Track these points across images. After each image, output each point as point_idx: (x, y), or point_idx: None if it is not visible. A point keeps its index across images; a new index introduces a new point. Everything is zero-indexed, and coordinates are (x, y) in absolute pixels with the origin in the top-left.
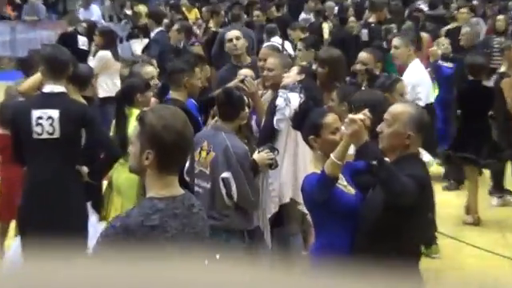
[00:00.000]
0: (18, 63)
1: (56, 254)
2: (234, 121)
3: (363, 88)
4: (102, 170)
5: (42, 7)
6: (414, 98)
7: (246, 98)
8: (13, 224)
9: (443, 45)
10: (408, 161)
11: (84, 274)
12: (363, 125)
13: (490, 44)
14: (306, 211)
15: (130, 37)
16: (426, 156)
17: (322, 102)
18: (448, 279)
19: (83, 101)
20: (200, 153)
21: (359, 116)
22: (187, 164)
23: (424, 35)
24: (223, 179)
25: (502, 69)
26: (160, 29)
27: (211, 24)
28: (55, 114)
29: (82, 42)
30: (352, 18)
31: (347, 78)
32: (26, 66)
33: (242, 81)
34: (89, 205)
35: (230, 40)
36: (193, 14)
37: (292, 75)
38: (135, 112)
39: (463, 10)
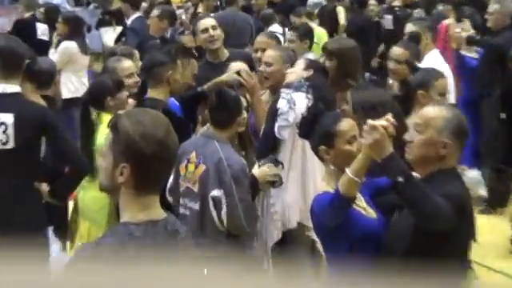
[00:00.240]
0: None
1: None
2: (229, 128)
3: (393, 89)
4: (67, 187)
5: None
6: None
7: (244, 99)
8: None
9: (468, 30)
10: (443, 177)
11: None
12: (386, 133)
13: None
14: (315, 238)
15: (101, 24)
16: (470, 172)
17: (335, 104)
18: None
19: (43, 102)
20: (187, 166)
21: (381, 122)
22: (170, 180)
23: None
24: (213, 198)
25: None
26: (138, 14)
27: (200, 8)
28: (9, 119)
29: (42, 30)
30: (372, 1)
31: (366, 75)
32: None
33: (238, 73)
34: (50, 230)
35: (205, 30)
36: None
37: (297, 71)
38: (105, 118)
39: None
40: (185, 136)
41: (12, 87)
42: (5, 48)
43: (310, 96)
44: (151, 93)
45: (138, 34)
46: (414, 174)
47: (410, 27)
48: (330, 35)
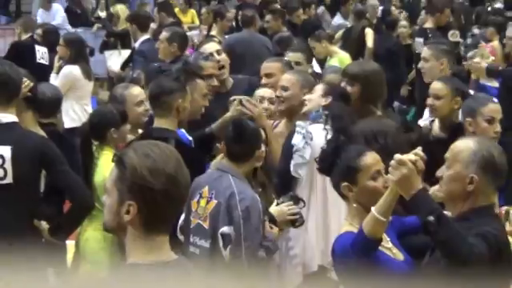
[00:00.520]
0: None
1: None
2: (246, 162)
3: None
4: (69, 225)
5: None
6: None
7: (263, 132)
8: None
9: (487, 57)
10: (477, 217)
11: None
12: (415, 168)
13: None
14: (337, 279)
15: (105, 47)
16: None
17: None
18: None
19: (42, 132)
20: (199, 201)
21: (409, 156)
22: (182, 217)
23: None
24: (223, 236)
25: None
26: (146, 37)
27: (214, 30)
28: (6, 151)
29: (41, 53)
30: (403, 22)
31: (396, 104)
32: None
33: (241, 102)
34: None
35: (210, 55)
36: (189, 17)
37: (314, 98)
38: (105, 152)
39: None
40: (198, 170)
41: (8, 117)
42: None
43: (328, 127)
44: (158, 122)
45: (147, 59)
46: (446, 212)
47: (425, 52)
48: (355, 60)
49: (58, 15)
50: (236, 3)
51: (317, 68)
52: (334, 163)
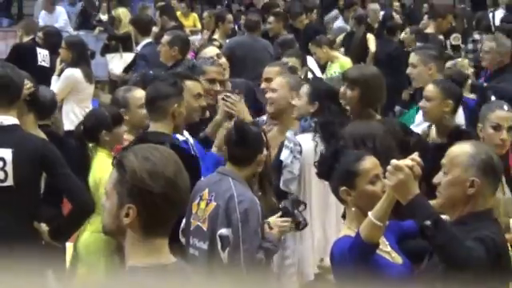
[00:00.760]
0: None
1: None
2: (247, 166)
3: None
4: (69, 228)
5: None
6: None
7: (264, 135)
8: None
9: (466, 68)
10: (476, 220)
11: None
12: (412, 173)
13: None
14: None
15: (106, 50)
16: None
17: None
18: None
19: (43, 135)
20: (199, 204)
21: (406, 162)
22: (184, 220)
23: None
24: (221, 237)
25: None
26: (148, 40)
27: (217, 34)
28: (7, 154)
29: (43, 56)
30: (408, 29)
31: (397, 108)
32: None
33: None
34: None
35: (215, 59)
36: (191, 21)
37: (301, 106)
38: (100, 153)
39: None
40: (195, 175)
41: (9, 119)
42: (0, 77)
43: (317, 139)
44: (153, 126)
45: (149, 62)
46: (444, 216)
47: (413, 57)
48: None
49: (60, 18)
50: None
51: (318, 73)
52: (333, 167)
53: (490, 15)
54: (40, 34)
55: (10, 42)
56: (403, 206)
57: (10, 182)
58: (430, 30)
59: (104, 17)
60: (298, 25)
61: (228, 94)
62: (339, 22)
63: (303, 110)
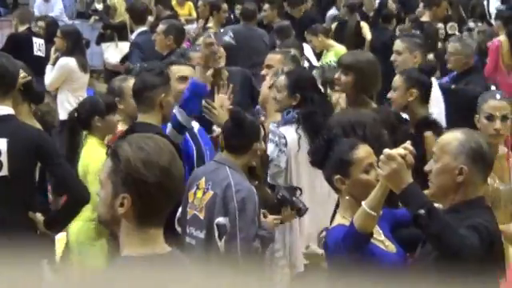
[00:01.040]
0: None
1: None
2: (243, 154)
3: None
4: (64, 218)
5: None
6: None
7: (262, 127)
8: None
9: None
10: (469, 209)
11: None
12: (405, 162)
13: None
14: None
15: (102, 39)
16: None
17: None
18: None
19: (38, 125)
20: (195, 193)
21: (398, 151)
22: (180, 209)
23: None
24: (218, 226)
25: None
26: (142, 29)
27: (211, 22)
28: (2, 144)
29: (38, 45)
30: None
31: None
32: None
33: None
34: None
35: (210, 44)
36: (186, 9)
37: (283, 99)
38: (90, 140)
39: None
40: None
41: (4, 109)
42: None
43: (300, 131)
44: (142, 117)
45: (143, 51)
46: (437, 205)
47: (398, 44)
48: None
49: (56, 7)
50: None
51: (314, 61)
52: (327, 156)
53: (485, 2)
54: (41, 23)
55: (6, 32)
56: (396, 194)
57: (4, 172)
58: (425, 18)
59: (99, 6)
60: (296, 13)
61: (208, 101)
62: (332, 11)
63: (284, 104)
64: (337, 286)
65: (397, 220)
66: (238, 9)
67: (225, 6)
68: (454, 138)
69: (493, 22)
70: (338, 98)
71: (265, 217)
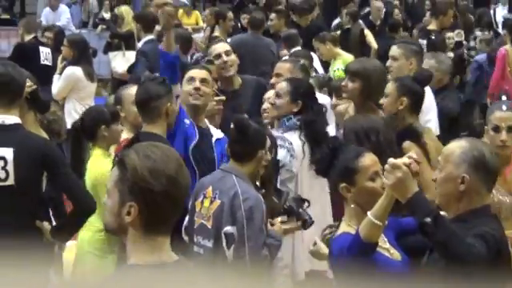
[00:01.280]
0: None
1: None
2: (249, 162)
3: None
4: (71, 227)
5: None
6: None
7: (271, 138)
8: None
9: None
10: (475, 217)
11: None
12: (410, 171)
13: None
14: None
15: (109, 48)
16: None
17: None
18: None
19: (44, 134)
20: (203, 202)
21: (403, 160)
22: (187, 218)
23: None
24: (226, 235)
25: None
26: (149, 37)
27: (217, 31)
28: (8, 153)
29: (45, 54)
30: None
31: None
32: None
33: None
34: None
35: (218, 56)
36: (193, 19)
37: (283, 105)
38: (96, 151)
39: None
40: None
41: (11, 118)
42: (2, 76)
43: (303, 137)
44: (147, 127)
45: (149, 59)
46: (442, 213)
47: (394, 50)
48: None
49: (63, 16)
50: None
51: (320, 70)
52: (332, 164)
53: (492, 12)
54: (49, 33)
55: (13, 41)
56: (400, 202)
57: (11, 181)
58: (432, 26)
59: (107, 15)
60: (303, 22)
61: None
62: (338, 20)
63: (284, 110)
64: None
65: (402, 228)
66: (244, 18)
67: (230, 14)
68: (457, 146)
69: (500, 30)
70: (347, 107)
71: (272, 225)
